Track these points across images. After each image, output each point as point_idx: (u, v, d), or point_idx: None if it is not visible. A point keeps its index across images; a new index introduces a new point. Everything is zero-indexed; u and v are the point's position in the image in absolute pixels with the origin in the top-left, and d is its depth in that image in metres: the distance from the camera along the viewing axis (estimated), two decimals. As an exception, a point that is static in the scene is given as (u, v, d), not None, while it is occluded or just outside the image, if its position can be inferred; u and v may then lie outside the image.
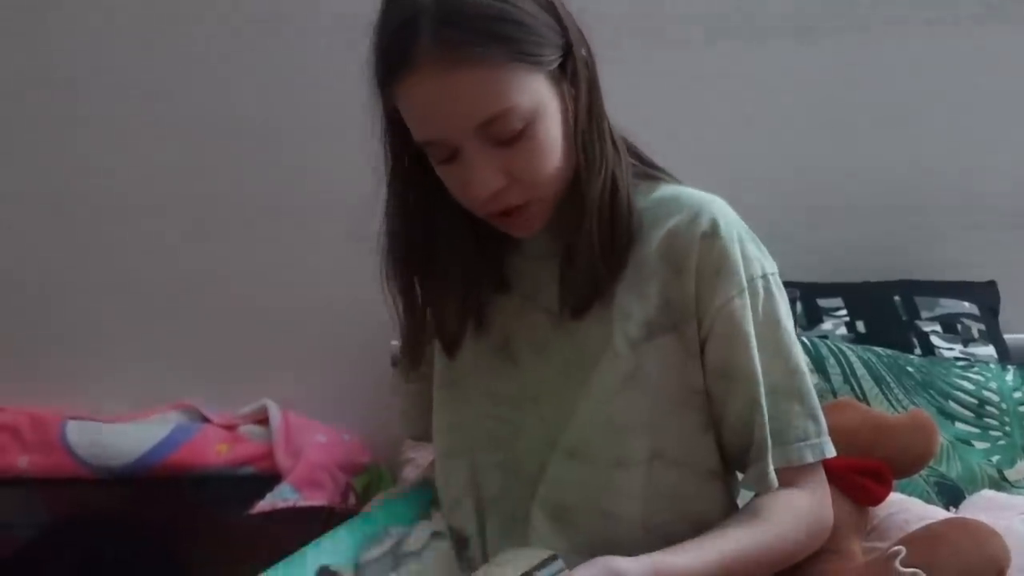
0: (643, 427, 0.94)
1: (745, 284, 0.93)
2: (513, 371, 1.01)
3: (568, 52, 0.90)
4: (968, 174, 1.85)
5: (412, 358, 1.06)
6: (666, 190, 0.99)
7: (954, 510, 1.35)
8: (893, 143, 1.85)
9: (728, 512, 0.99)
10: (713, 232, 0.93)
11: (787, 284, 1.71)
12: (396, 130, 0.93)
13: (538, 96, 0.88)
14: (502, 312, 1.01)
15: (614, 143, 0.96)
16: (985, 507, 1.30)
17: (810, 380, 0.98)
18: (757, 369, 0.93)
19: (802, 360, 0.97)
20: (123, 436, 1.84)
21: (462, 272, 0.99)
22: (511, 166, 0.89)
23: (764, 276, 0.95)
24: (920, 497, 1.34)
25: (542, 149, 0.89)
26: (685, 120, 1.77)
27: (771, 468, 0.93)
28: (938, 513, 1.24)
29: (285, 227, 1.89)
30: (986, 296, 1.81)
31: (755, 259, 0.95)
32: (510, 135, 0.87)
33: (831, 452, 0.97)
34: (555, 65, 0.89)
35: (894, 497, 1.20)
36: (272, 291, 1.92)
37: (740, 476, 1.01)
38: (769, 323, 0.95)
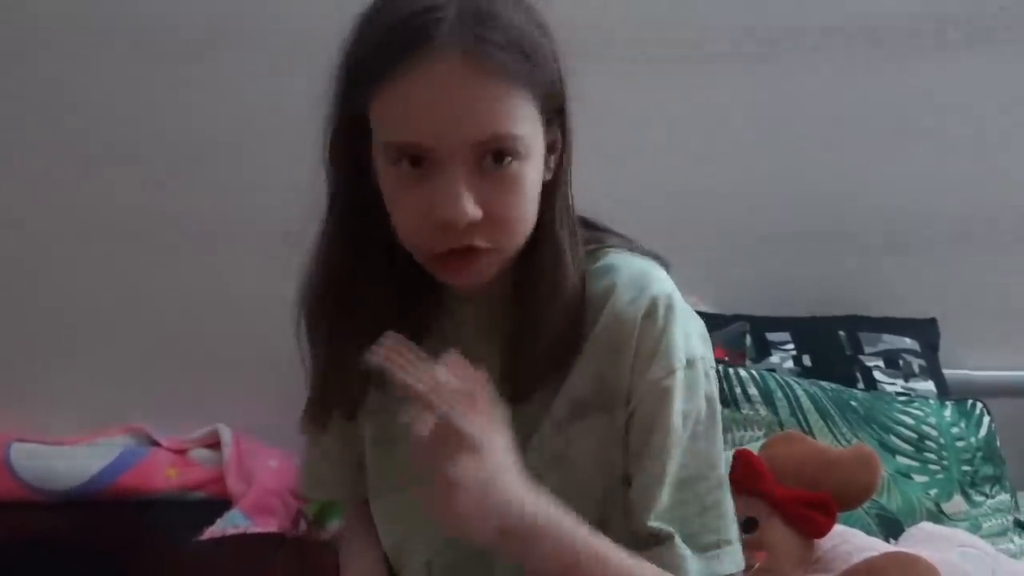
0: (572, 509, 0.83)
1: (677, 366, 0.87)
2: None
3: (563, 106, 0.86)
4: (911, 212, 1.89)
5: (322, 411, 0.99)
6: (606, 260, 0.92)
7: (894, 542, 1.38)
8: (839, 180, 1.87)
9: None
10: (653, 312, 0.87)
11: (737, 317, 1.79)
12: (350, 145, 0.85)
13: (535, 135, 0.82)
14: None
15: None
16: (924, 539, 1.34)
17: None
18: (667, 461, 0.86)
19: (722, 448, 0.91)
20: (70, 459, 1.81)
21: (374, 323, 0.85)
22: (489, 200, 0.80)
23: (704, 357, 0.90)
24: (861, 528, 1.37)
25: (524, 190, 0.82)
26: (630, 152, 1.76)
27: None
28: (879, 545, 1.28)
29: (238, 248, 1.86)
30: (927, 332, 1.86)
31: (694, 338, 0.90)
32: (501, 164, 0.80)
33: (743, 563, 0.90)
34: (552, 112, 0.84)
35: (837, 528, 1.23)
36: (224, 313, 1.89)
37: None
38: (701, 404, 0.89)
